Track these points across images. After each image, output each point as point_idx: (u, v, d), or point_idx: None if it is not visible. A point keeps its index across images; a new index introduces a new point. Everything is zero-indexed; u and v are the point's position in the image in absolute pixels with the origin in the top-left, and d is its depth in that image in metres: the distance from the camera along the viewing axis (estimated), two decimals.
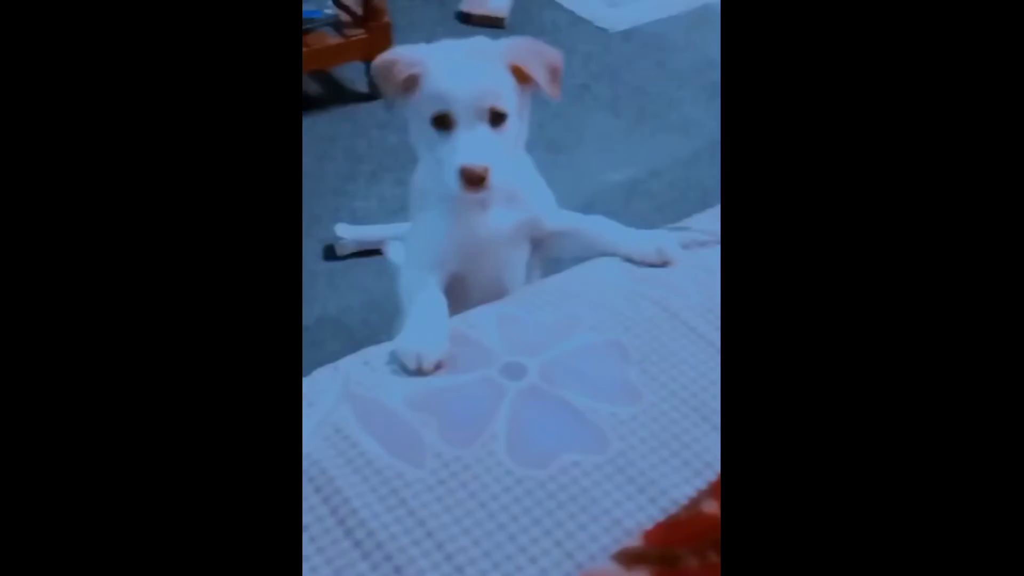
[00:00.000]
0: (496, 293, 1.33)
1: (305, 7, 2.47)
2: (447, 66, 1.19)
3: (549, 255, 1.42)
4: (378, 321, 1.98)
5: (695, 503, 0.94)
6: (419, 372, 1.11)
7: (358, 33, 2.51)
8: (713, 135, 2.50)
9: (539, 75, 1.20)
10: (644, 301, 1.20)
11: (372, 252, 2.14)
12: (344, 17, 2.56)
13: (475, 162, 1.17)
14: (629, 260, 1.29)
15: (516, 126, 1.24)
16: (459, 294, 1.29)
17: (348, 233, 2.16)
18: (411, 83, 1.20)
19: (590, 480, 0.98)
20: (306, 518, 0.94)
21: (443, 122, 1.19)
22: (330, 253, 2.17)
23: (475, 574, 0.90)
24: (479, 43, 1.24)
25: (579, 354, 1.12)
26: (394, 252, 1.78)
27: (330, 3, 2.55)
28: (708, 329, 1.15)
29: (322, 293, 2.08)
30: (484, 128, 1.19)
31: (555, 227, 1.35)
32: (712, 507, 0.93)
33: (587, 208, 2.30)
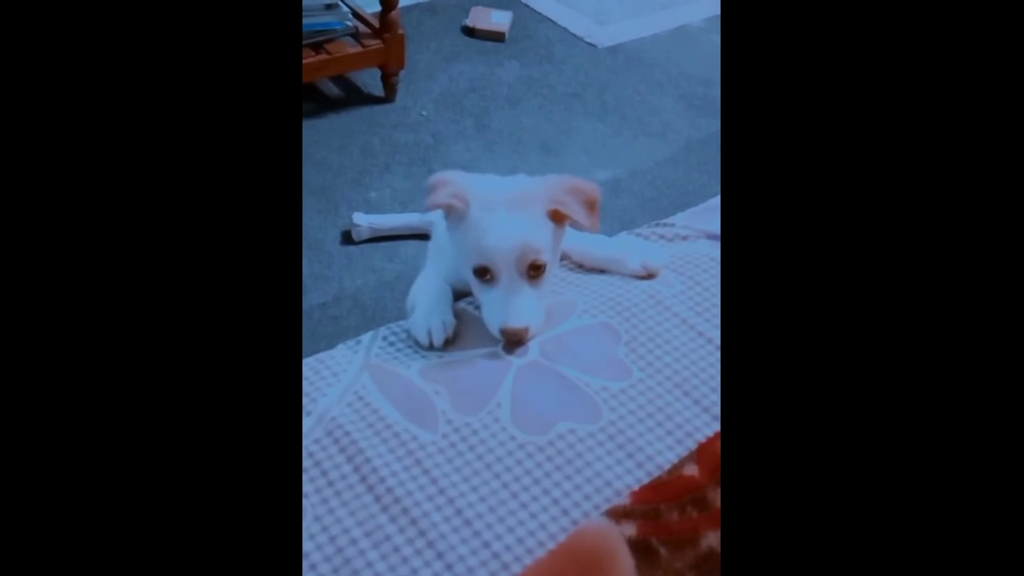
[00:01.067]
0: None
1: (327, 19, 2.44)
2: (489, 218, 1.10)
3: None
4: (389, 299, 1.97)
5: (677, 467, 0.94)
6: (430, 347, 1.10)
7: (375, 43, 2.48)
8: (688, 140, 2.49)
9: (578, 214, 1.11)
10: (634, 289, 1.19)
11: (385, 238, 2.13)
12: (362, 28, 2.54)
13: (517, 324, 1.09)
14: (618, 272, 1.23)
15: (552, 269, 1.15)
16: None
17: (363, 220, 2.14)
18: (452, 211, 1.13)
19: (584, 446, 0.97)
20: (331, 475, 0.94)
21: (484, 273, 1.11)
22: (347, 238, 2.14)
23: (482, 527, 0.89)
24: (520, 187, 1.15)
25: (575, 334, 1.12)
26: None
27: (350, 16, 2.53)
28: (690, 315, 1.15)
29: (339, 273, 2.06)
30: (524, 287, 1.10)
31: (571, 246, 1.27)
32: (692, 470, 0.93)
33: None
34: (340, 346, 1.13)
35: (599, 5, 3.13)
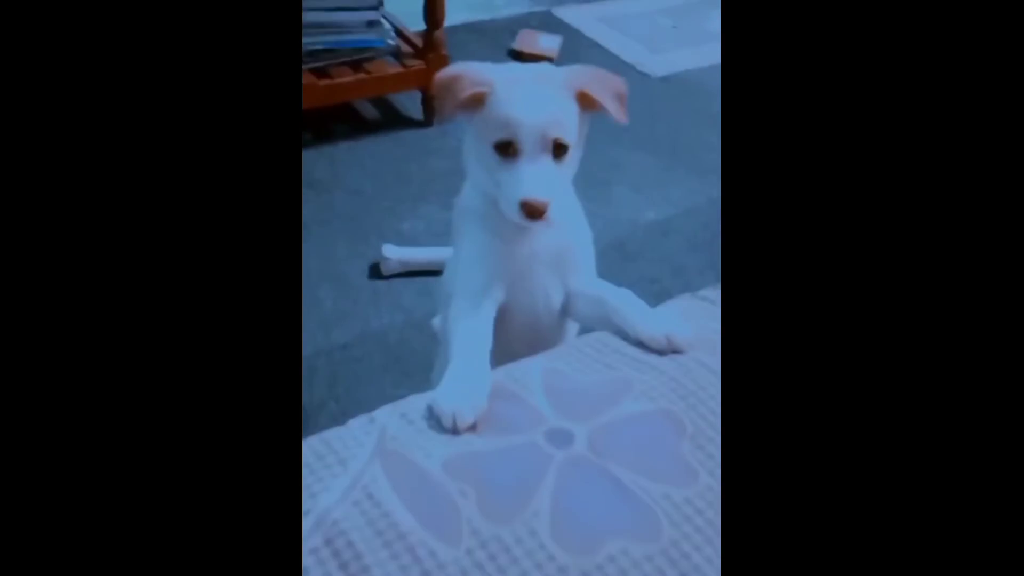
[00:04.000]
0: (534, 327, 1.13)
1: (368, 36, 2.28)
2: (515, 91, 1.02)
3: (569, 316, 1.18)
4: (418, 341, 1.79)
5: None
6: (454, 431, 0.91)
7: (417, 64, 2.32)
8: None
9: (606, 100, 1.03)
10: (697, 367, 0.98)
11: (416, 273, 1.95)
12: (404, 48, 2.37)
13: (538, 196, 1.00)
14: (638, 343, 1.04)
15: (574, 157, 1.07)
16: (500, 326, 1.09)
17: (394, 254, 1.96)
18: (475, 101, 1.02)
19: (640, 573, 0.77)
20: None
21: (506, 149, 1.02)
22: (375, 272, 1.97)
23: None
24: (545, 69, 1.06)
25: (630, 423, 0.91)
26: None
27: (392, 34, 2.36)
28: None
29: (364, 310, 1.88)
30: (548, 160, 1.02)
31: (584, 289, 1.13)
32: None
33: (621, 244, 2.12)
34: (351, 422, 0.94)
35: (652, 32, 2.94)
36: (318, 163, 2.27)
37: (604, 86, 1.05)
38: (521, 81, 1.02)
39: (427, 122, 2.40)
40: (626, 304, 1.07)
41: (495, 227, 1.08)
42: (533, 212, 1.01)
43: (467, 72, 1.04)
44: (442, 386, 0.94)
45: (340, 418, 0.95)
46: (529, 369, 1.00)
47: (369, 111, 2.49)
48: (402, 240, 2.03)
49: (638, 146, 2.40)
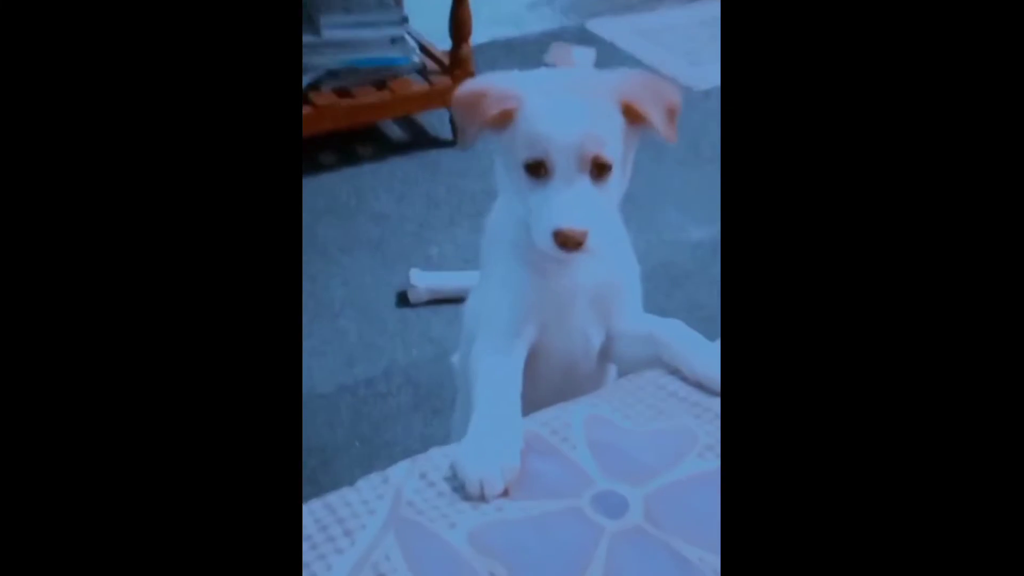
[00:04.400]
0: (569, 372, 0.98)
1: (392, 54, 2.17)
2: (547, 103, 0.87)
3: (610, 359, 1.03)
4: (449, 376, 1.65)
5: None
6: (482, 500, 0.76)
7: (444, 81, 2.20)
8: None
9: (655, 116, 0.88)
10: None
11: (446, 300, 1.82)
12: (431, 65, 2.25)
13: (574, 225, 0.85)
14: (696, 383, 0.89)
15: (619, 178, 0.91)
16: (530, 370, 0.93)
17: (422, 281, 1.83)
18: (502, 120, 0.88)
19: None
20: None
21: (538, 170, 0.87)
22: (403, 300, 1.84)
23: None
24: (584, 75, 0.93)
25: (693, 486, 0.76)
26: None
27: (417, 51, 2.25)
28: None
29: (391, 342, 1.75)
30: (585, 182, 0.87)
31: (630, 328, 0.98)
32: None
33: (667, 267, 1.96)
34: (360, 482, 0.80)
35: (692, 44, 2.80)
36: (342, 187, 2.16)
37: (654, 97, 0.89)
38: (554, 91, 0.88)
39: (455, 142, 2.28)
40: (680, 338, 0.92)
41: (528, 257, 0.93)
42: (567, 242, 0.86)
43: (492, 87, 0.90)
44: (466, 444, 0.80)
45: (365, 461, 0.83)
46: (569, 417, 0.85)
47: (395, 132, 2.38)
48: (431, 266, 1.91)
49: (681, 162, 2.25)
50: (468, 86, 0.93)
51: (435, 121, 2.37)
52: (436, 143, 2.34)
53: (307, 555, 0.71)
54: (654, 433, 0.82)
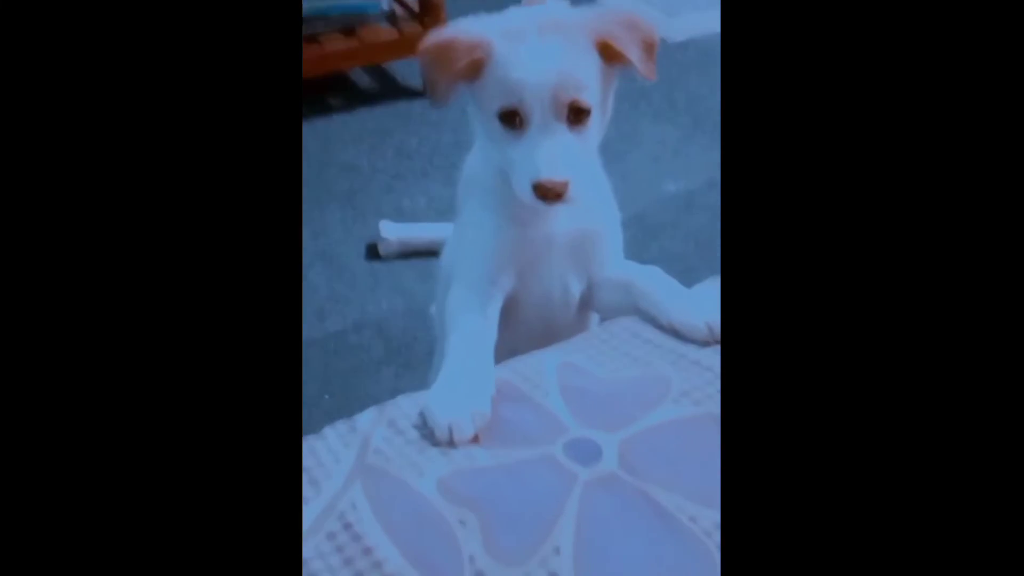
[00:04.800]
0: (547, 322, 0.95)
1: (360, 0, 2.10)
2: (519, 47, 0.82)
3: (591, 307, 1.00)
4: (420, 328, 1.62)
5: None
6: (450, 445, 0.74)
7: (414, 28, 2.14)
8: None
9: (633, 53, 0.83)
10: None
11: (418, 254, 1.79)
12: (400, 12, 2.19)
13: (554, 176, 0.81)
14: (672, 331, 0.86)
15: (599, 121, 0.87)
16: (508, 319, 0.91)
17: (392, 232, 1.79)
18: (472, 70, 0.83)
19: None
20: None
21: (512, 118, 0.83)
22: (373, 253, 1.81)
23: None
24: (556, 11, 0.85)
25: (669, 432, 0.74)
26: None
27: None
28: None
29: (362, 295, 1.72)
30: (563, 130, 0.83)
31: (610, 275, 0.95)
32: None
33: (641, 219, 1.94)
34: (326, 430, 0.77)
35: None
36: (311, 137, 2.10)
37: (631, 33, 0.85)
38: (526, 33, 0.83)
39: (427, 93, 2.23)
40: (657, 285, 0.89)
41: (505, 205, 0.89)
42: (548, 194, 0.82)
43: (458, 37, 0.84)
44: (435, 389, 0.77)
45: (335, 415, 0.80)
46: (542, 365, 0.83)
47: (364, 81, 2.32)
48: (402, 218, 1.87)
49: (656, 115, 2.22)
50: (434, 37, 0.86)
51: (406, 70, 2.31)
52: (407, 92, 2.28)
53: None
54: (628, 380, 0.80)
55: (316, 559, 0.64)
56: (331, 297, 1.71)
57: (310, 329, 1.63)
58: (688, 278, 0.98)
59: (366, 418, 0.77)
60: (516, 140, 0.83)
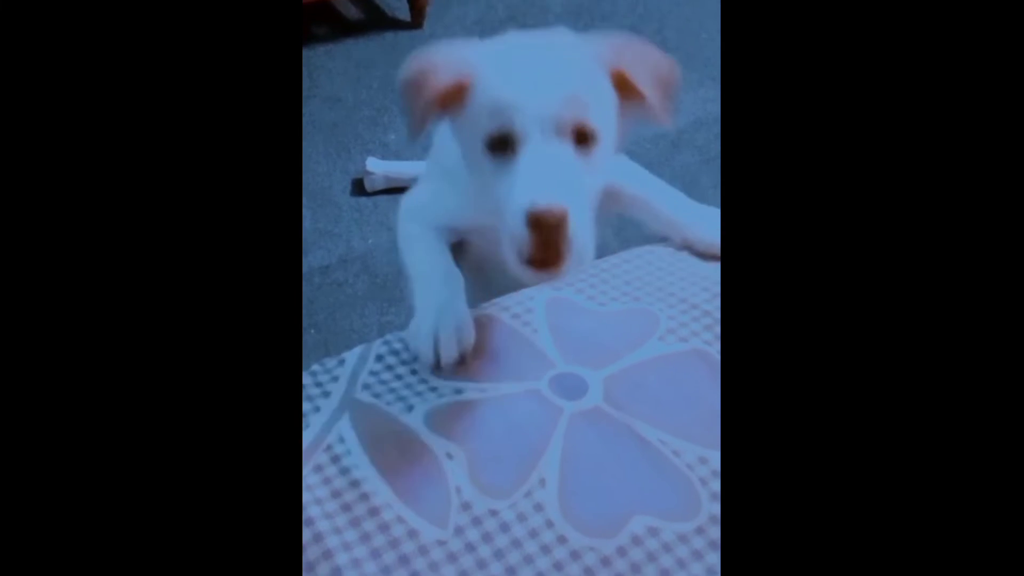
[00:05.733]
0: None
1: None
2: (512, 66, 0.69)
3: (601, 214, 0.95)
4: None
5: None
6: (438, 369, 0.74)
7: None
8: None
9: (647, 87, 0.70)
10: None
11: (403, 189, 1.77)
12: None
13: (550, 202, 0.64)
14: (686, 247, 0.85)
15: (606, 152, 0.71)
16: (475, 274, 0.86)
17: (379, 168, 1.77)
18: (453, 98, 0.70)
19: (672, 558, 0.61)
20: None
21: (503, 146, 0.68)
22: (359, 188, 1.79)
23: None
24: (561, 37, 0.73)
25: (656, 368, 0.74)
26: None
27: None
28: None
29: (347, 230, 1.71)
30: (566, 150, 0.68)
31: (625, 187, 0.90)
32: None
33: (629, 157, 1.93)
34: (315, 366, 0.77)
35: None
36: None
37: (649, 67, 0.72)
38: (523, 54, 0.71)
39: (415, 23, 2.18)
40: (673, 201, 0.89)
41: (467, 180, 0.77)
42: (546, 225, 0.64)
43: (441, 59, 0.71)
44: (416, 319, 0.77)
45: (320, 350, 0.80)
46: (532, 301, 0.82)
47: (350, 10, 2.26)
48: (388, 153, 1.85)
49: None
50: (412, 64, 0.73)
51: (392, 0, 2.25)
52: (394, 23, 2.23)
53: None
54: (616, 316, 0.80)
55: (304, 491, 0.65)
56: (316, 232, 1.70)
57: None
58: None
59: (354, 354, 0.77)
60: (507, 168, 0.68)
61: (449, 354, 0.73)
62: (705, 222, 0.87)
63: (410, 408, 0.71)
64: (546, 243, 0.64)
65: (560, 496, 0.64)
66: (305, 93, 2.00)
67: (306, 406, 0.71)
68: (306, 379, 0.74)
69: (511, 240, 0.66)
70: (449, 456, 0.67)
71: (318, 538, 0.61)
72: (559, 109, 0.67)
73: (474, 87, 0.70)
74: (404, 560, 0.60)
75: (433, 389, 0.73)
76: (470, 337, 0.75)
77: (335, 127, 1.93)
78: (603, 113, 0.69)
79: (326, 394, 0.73)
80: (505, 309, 0.81)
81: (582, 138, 0.68)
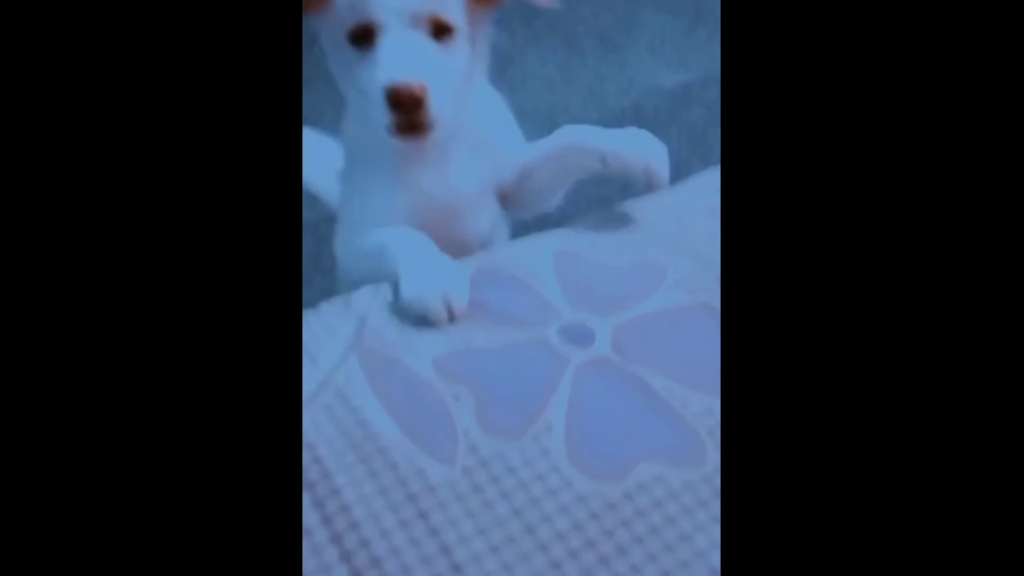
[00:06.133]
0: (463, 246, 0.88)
1: None
2: None
3: (522, 200, 0.91)
4: None
5: None
6: (450, 318, 0.73)
7: None
8: None
9: None
10: None
11: None
12: None
13: (406, 78, 0.71)
14: (605, 170, 0.82)
15: (467, 50, 0.78)
16: None
17: None
18: (319, 2, 0.75)
19: (678, 505, 0.62)
20: None
21: (365, 37, 0.74)
22: None
23: None
24: None
25: (662, 320, 0.74)
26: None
27: None
28: None
29: None
30: (421, 37, 0.74)
31: (527, 157, 0.88)
32: None
33: (635, 112, 1.90)
34: (323, 305, 0.77)
35: None
36: None
37: None
38: None
39: None
40: (584, 132, 0.85)
41: (393, 161, 0.82)
42: (403, 101, 0.71)
43: None
44: (409, 278, 0.75)
45: (326, 295, 0.79)
46: (539, 250, 0.82)
47: None
48: None
49: (656, 4, 2.15)
50: None
51: None
52: None
53: None
54: (623, 267, 0.80)
55: (312, 430, 0.65)
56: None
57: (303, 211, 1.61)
58: (682, 173, 0.97)
59: (361, 296, 0.77)
60: (369, 57, 0.74)
61: (460, 306, 0.73)
62: (625, 149, 0.82)
63: (417, 353, 0.71)
64: (404, 111, 0.72)
65: (567, 441, 0.65)
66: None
67: (315, 347, 0.72)
68: (314, 318, 0.75)
69: (377, 119, 0.74)
70: (456, 399, 0.67)
71: (326, 475, 0.62)
72: (415, 3, 0.73)
73: None
74: (412, 498, 0.61)
75: (441, 334, 0.73)
76: (467, 296, 0.74)
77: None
78: (455, 7, 0.75)
79: (334, 335, 0.73)
80: (512, 259, 0.81)
81: (439, 30, 0.74)
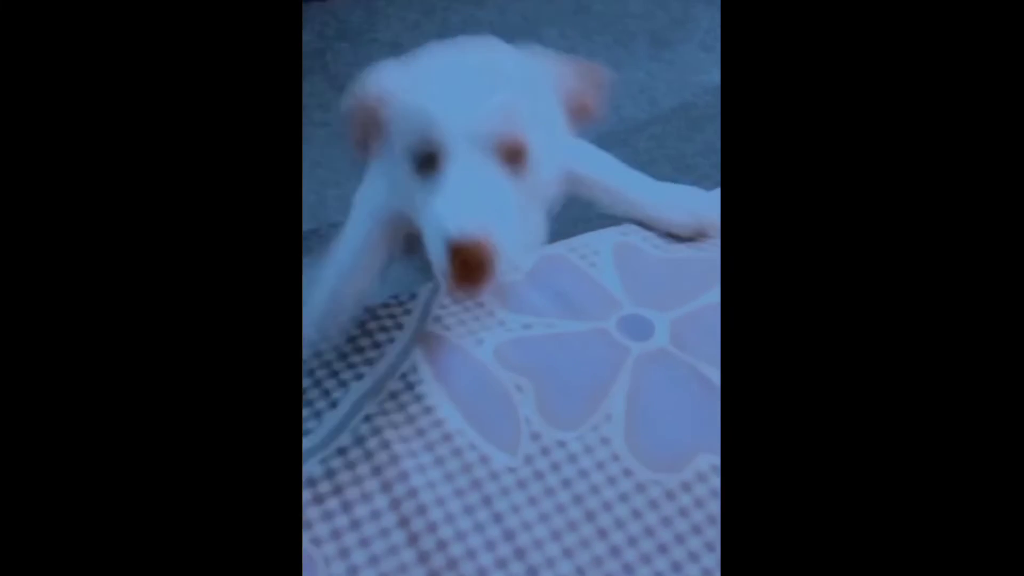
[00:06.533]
0: None
1: None
2: (437, 80, 0.63)
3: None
4: None
5: None
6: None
7: None
8: None
9: (600, 106, 0.68)
10: None
11: None
12: None
13: (471, 231, 0.57)
14: (654, 227, 0.84)
15: (543, 176, 0.65)
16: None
17: None
18: (375, 131, 0.65)
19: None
20: (358, 512, 0.61)
21: (430, 162, 0.61)
22: None
23: None
24: (492, 49, 0.66)
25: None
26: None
27: None
28: None
29: None
30: (494, 173, 0.61)
31: (584, 170, 0.81)
32: None
33: (687, 109, 1.90)
34: (389, 298, 0.79)
35: None
36: (354, 11, 2.06)
37: (595, 85, 0.68)
38: (452, 66, 0.64)
39: None
40: (634, 183, 0.84)
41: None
42: (468, 260, 0.58)
43: (362, 93, 0.65)
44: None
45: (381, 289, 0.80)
46: (599, 244, 0.84)
47: None
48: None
49: (709, 0, 2.14)
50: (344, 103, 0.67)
51: None
52: None
53: (336, 364, 0.71)
54: (681, 262, 0.81)
55: (380, 416, 0.67)
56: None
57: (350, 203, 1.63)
58: None
59: (427, 288, 0.79)
60: (432, 188, 0.61)
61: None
62: (667, 201, 0.84)
63: (480, 342, 0.73)
64: (466, 268, 0.58)
65: (626, 431, 0.66)
66: (364, 38, 2.00)
67: (380, 336, 0.74)
68: (380, 311, 0.77)
69: (435, 264, 0.61)
70: (518, 388, 0.69)
71: (394, 460, 0.64)
72: (489, 124, 0.60)
73: (390, 112, 0.64)
74: (476, 484, 0.63)
75: (502, 323, 0.75)
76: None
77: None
78: (542, 129, 0.63)
79: (399, 326, 0.75)
80: (573, 250, 0.82)
81: (513, 156, 0.61)
